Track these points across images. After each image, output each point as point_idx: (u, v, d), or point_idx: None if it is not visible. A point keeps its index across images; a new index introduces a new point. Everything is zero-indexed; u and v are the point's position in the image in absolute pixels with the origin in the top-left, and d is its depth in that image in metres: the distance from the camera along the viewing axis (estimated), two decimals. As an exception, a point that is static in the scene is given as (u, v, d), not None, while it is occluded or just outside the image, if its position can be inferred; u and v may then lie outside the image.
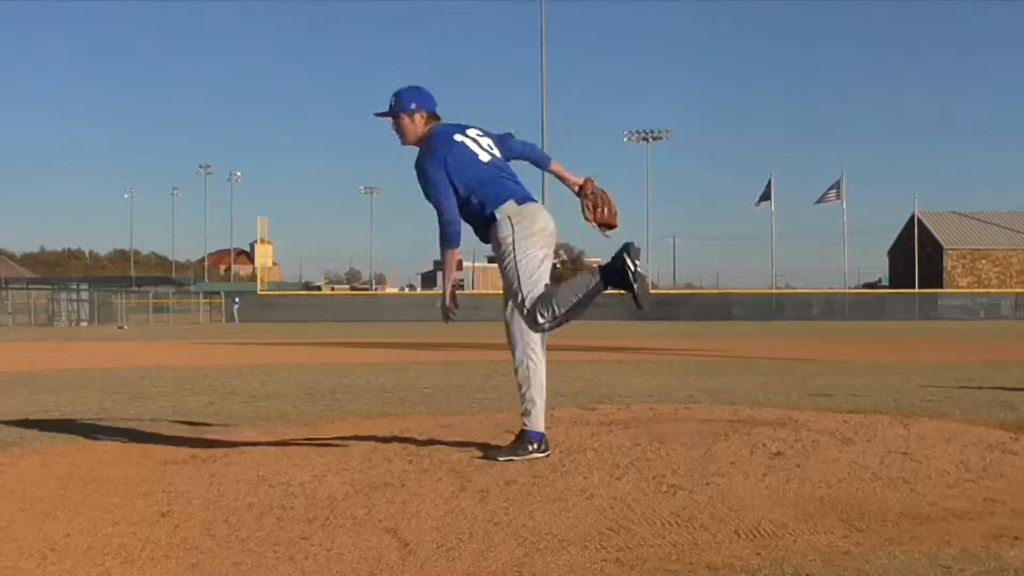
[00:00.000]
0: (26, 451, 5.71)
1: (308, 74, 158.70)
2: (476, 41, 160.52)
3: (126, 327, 43.53)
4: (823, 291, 65.46)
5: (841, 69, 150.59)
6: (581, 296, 4.83)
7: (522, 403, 5.04)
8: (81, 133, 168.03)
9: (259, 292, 61.99)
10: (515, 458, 4.82)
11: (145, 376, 12.11)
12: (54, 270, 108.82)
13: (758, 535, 3.52)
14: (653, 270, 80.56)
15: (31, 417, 7.48)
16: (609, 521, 3.70)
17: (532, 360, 5.05)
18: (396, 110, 5.08)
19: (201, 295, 66.51)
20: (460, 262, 5.18)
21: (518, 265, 4.90)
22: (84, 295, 52.74)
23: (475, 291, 74.84)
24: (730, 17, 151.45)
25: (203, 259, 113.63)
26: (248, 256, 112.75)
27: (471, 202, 4.93)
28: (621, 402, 7.89)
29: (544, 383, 5.08)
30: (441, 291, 5.16)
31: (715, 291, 69.30)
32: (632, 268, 4.76)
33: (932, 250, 72.06)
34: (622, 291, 4.82)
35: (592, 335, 28.87)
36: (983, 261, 71.96)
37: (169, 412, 7.83)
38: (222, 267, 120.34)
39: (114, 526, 3.76)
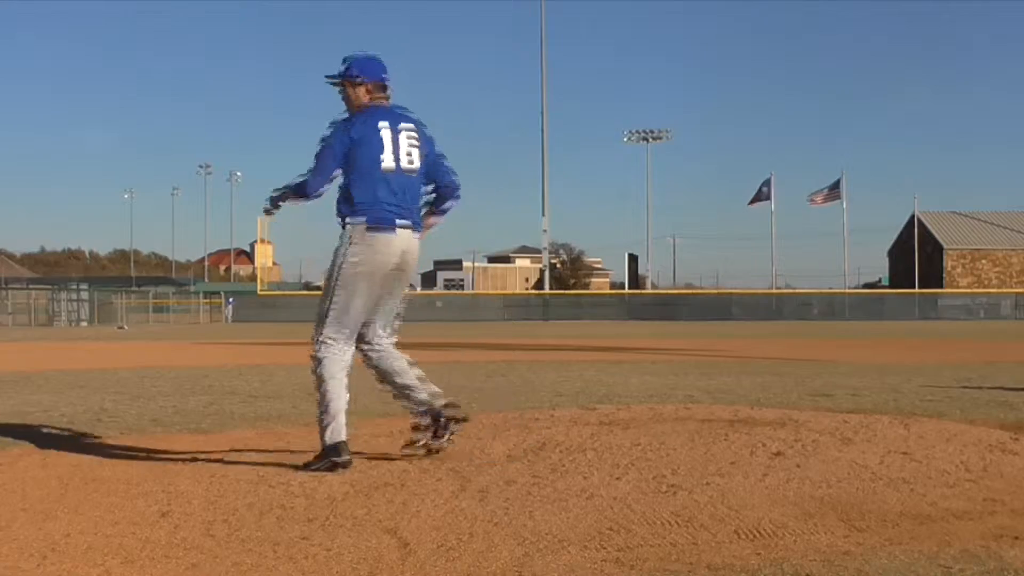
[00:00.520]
0: (26, 451, 5.71)
1: (308, 74, 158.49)
2: (476, 41, 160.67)
3: (126, 327, 43.52)
4: (823, 291, 65.42)
5: (841, 69, 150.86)
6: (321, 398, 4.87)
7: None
8: (81, 133, 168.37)
9: (259, 292, 61.97)
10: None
11: (145, 376, 12.10)
12: (54, 270, 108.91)
13: (758, 535, 3.52)
14: (653, 270, 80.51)
15: (31, 417, 7.48)
16: (609, 521, 3.70)
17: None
18: (341, 76, 5.02)
19: (201, 295, 66.48)
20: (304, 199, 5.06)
21: (334, 287, 4.88)
22: (84, 295, 52.69)
23: (474, 292, 74.79)
24: (730, 17, 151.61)
25: (203, 259, 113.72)
26: (248, 256, 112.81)
27: (343, 189, 4.93)
28: (621, 402, 7.90)
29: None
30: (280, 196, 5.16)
31: (715, 291, 69.36)
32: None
33: (932, 250, 72.08)
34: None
35: (592, 335, 28.89)
36: (983, 261, 71.98)
37: (169, 412, 7.83)
38: (222, 267, 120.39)
39: (114, 526, 3.76)
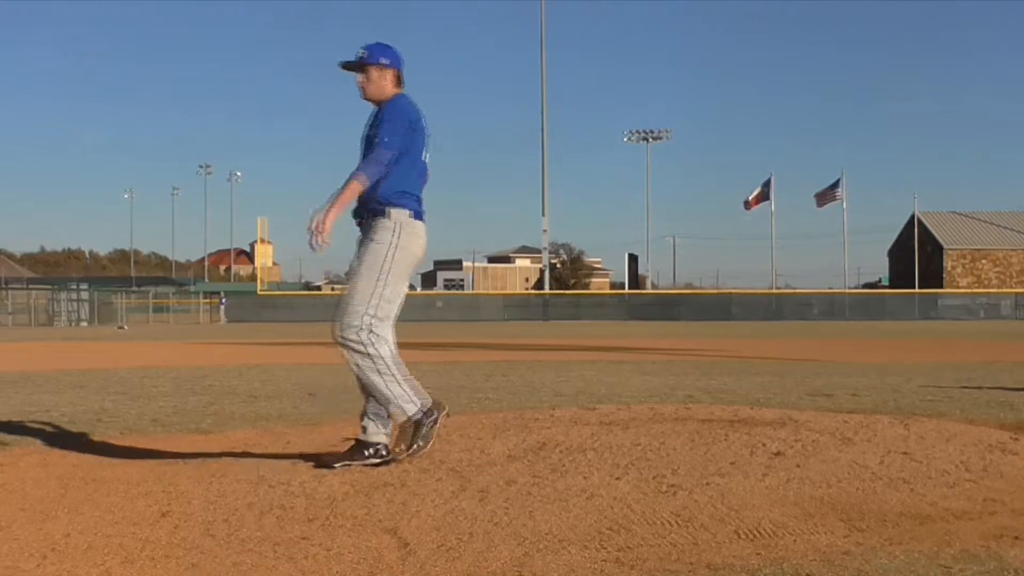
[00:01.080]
0: (26, 451, 5.71)
1: (308, 74, 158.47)
2: (477, 41, 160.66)
3: (126, 327, 43.51)
4: (823, 291, 65.44)
5: (841, 69, 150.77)
6: (385, 388, 4.79)
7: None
8: (81, 133, 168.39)
9: (259, 292, 61.97)
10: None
11: (145, 376, 12.11)
12: (54, 270, 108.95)
13: (758, 535, 3.52)
14: (653, 270, 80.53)
15: (31, 417, 7.48)
16: (609, 521, 3.70)
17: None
18: (367, 60, 4.90)
19: (201, 295, 66.48)
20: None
21: (385, 273, 4.76)
22: (84, 295, 52.69)
23: (475, 292, 74.78)
24: (730, 17, 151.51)
25: (203, 259, 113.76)
26: (248, 256, 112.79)
27: (392, 175, 4.78)
28: (621, 402, 7.89)
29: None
30: (324, 213, 4.67)
31: (715, 291, 69.31)
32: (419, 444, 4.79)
33: (932, 250, 72.09)
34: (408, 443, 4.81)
35: (592, 335, 28.90)
36: (983, 261, 71.98)
37: (169, 412, 7.83)
38: (222, 267, 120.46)
39: (114, 526, 3.76)
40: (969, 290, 66.53)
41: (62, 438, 6.29)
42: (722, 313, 55.27)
